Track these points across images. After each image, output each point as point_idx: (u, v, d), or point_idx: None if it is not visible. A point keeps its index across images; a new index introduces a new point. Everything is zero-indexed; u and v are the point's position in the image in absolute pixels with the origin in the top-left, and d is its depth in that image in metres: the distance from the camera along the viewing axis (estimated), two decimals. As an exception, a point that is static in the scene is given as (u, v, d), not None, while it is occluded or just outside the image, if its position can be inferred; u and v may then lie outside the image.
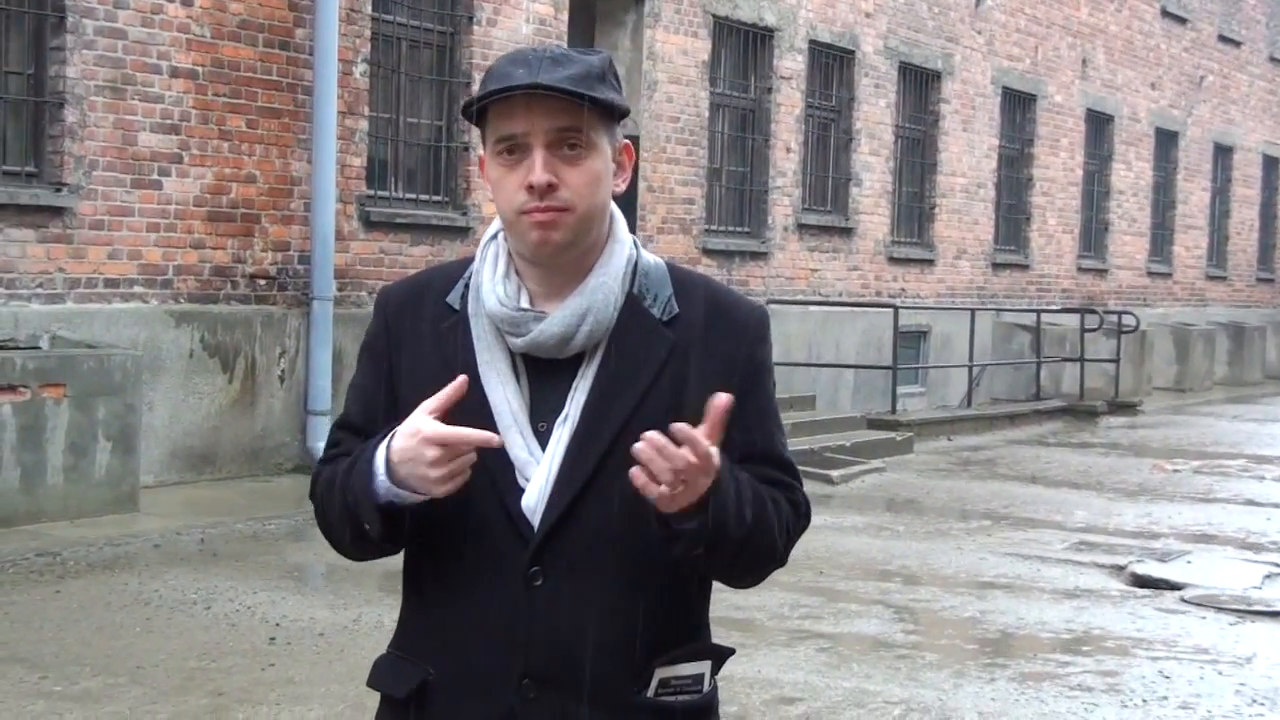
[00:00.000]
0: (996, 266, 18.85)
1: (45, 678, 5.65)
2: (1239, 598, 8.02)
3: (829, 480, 11.55)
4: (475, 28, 11.49)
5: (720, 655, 2.13)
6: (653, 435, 1.86)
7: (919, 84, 17.19)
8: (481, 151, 2.07)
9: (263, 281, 10.07)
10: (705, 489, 1.90)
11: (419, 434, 1.93)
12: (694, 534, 1.93)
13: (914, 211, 17.40)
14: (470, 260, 2.13)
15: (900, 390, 15.29)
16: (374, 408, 2.11)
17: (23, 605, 6.68)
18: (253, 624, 6.54)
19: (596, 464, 2.01)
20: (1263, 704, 6.10)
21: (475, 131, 2.07)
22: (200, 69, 9.61)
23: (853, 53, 15.85)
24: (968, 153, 18.03)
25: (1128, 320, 18.76)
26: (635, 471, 1.87)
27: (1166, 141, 23.33)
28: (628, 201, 12.63)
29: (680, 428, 1.86)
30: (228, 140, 9.79)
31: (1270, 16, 26.50)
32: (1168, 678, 6.40)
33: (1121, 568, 8.67)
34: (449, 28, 11.46)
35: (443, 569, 2.06)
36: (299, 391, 10.21)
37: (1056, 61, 19.81)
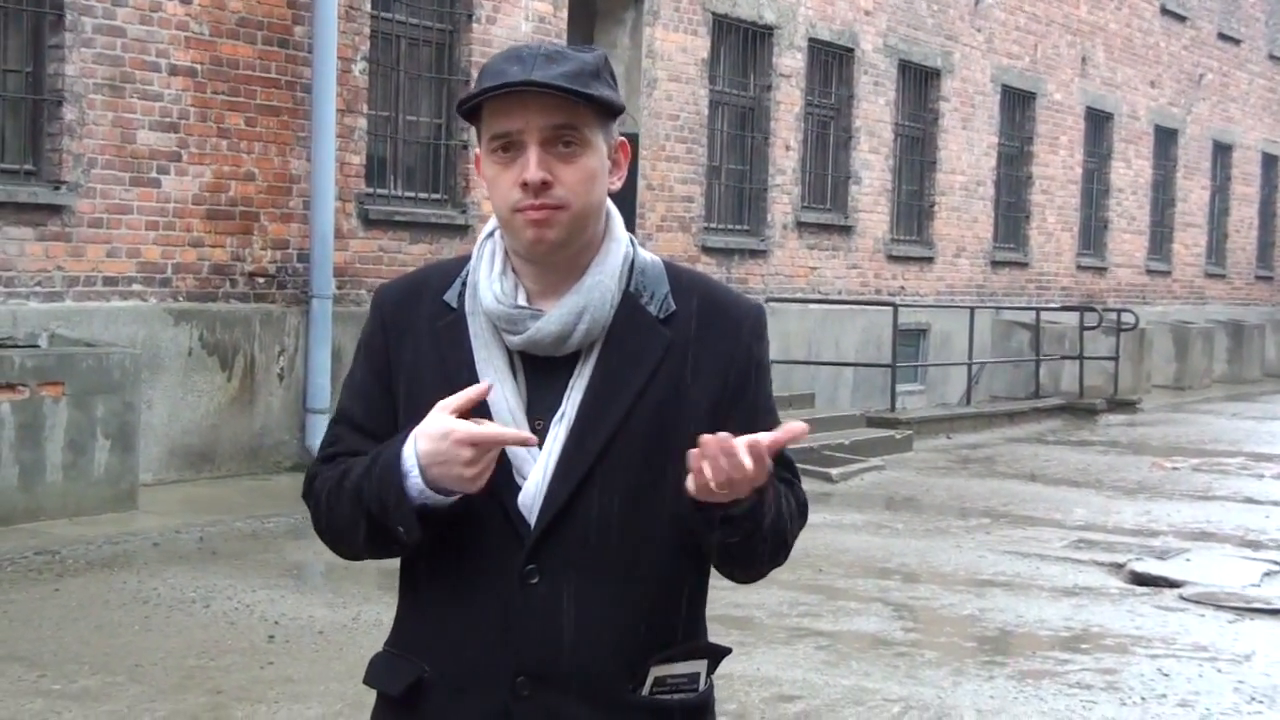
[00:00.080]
0: (996, 264, 18.85)
1: (44, 676, 5.65)
2: (1237, 595, 8.02)
3: (828, 478, 11.55)
4: (474, 25, 11.48)
5: (716, 654, 2.13)
6: (724, 438, 1.86)
7: (918, 82, 17.18)
8: (477, 149, 2.07)
9: (262, 279, 10.07)
10: (747, 493, 1.90)
11: (451, 435, 1.92)
12: (737, 522, 1.93)
13: (913, 209, 17.40)
14: (468, 258, 2.12)
15: (899, 388, 15.29)
16: (372, 405, 2.11)
17: (21, 603, 6.68)
18: (251, 622, 6.54)
19: (593, 462, 2.01)
20: (1261, 701, 6.10)
21: (474, 129, 2.07)
22: (199, 67, 9.60)
23: (852, 50, 15.85)
24: (967, 151, 18.03)
25: (1127, 318, 18.76)
26: (694, 454, 1.87)
27: (1166, 139, 23.33)
28: (627, 199, 12.63)
29: (756, 445, 1.85)
30: (226, 138, 9.79)
31: (1269, 14, 26.50)
32: (1166, 675, 6.40)
33: (1120, 565, 8.67)
34: (448, 25, 11.46)
35: (439, 566, 2.06)
36: (298, 390, 10.21)
37: (1056, 59, 19.81)
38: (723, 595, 6.87)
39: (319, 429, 9.87)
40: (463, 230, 11.35)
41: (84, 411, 8.24)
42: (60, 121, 8.89)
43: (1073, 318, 18.49)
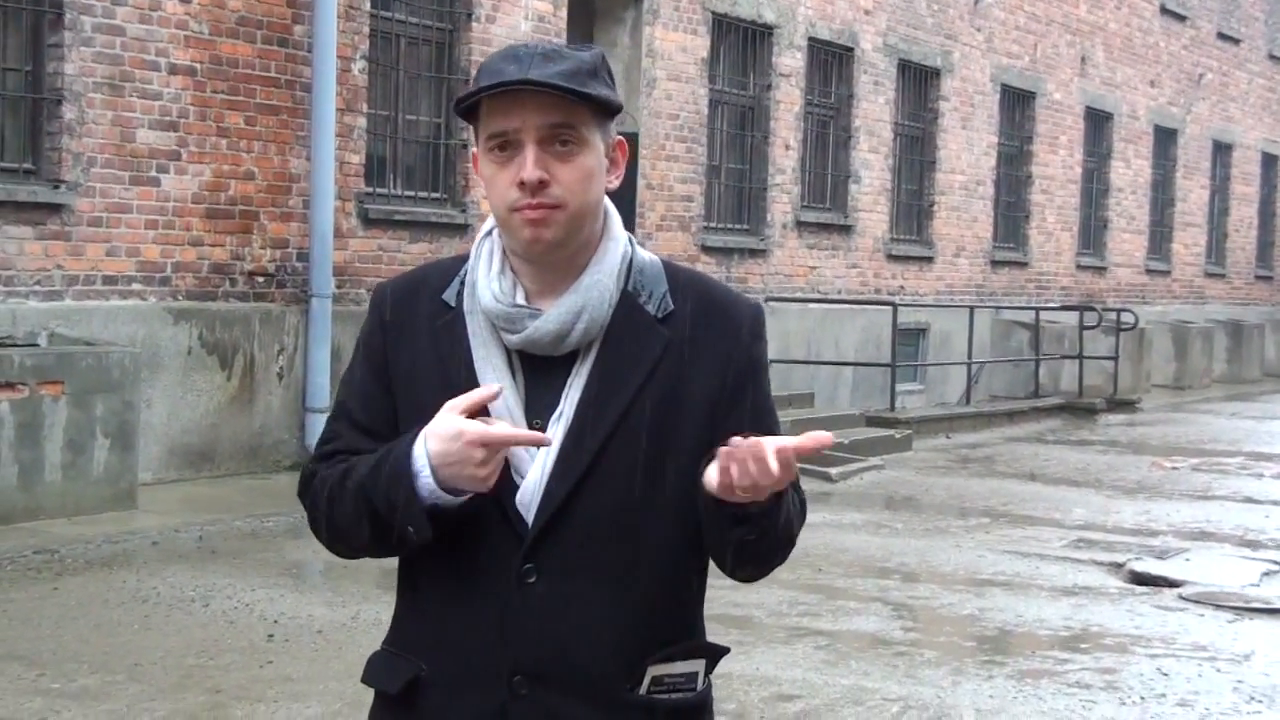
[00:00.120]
0: (995, 264, 18.85)
1: (43, 675, 5.65)
2: (1237, 595, 8.02)
3: (828, 478, 11.55)
4: (474, 24, 11.48)
5: (714, 654, 2.13)
6: (754, 442, 1.86)
7: (918, 81, 17.18)
8: (475, 148, 2.07)
9: (261, 279, 10.07)
10: (767, 495, 1.91)
11: (463, 436, 1.93)
12: (755, 520, 1.94)
13: (913, 209, 17.40)
14: (465, 257, 2.12)
15: (899, 388, 15.29)
16: (371, 403, 2.11)
17: (21, 602, 6.68)
18: (251, 621, 6.54)
19: (591, 461, 2.01)
20: (1260, 701, 6.10)
21: (472, 128, 2.07)
22: (199, 66, 9.60)
23: (852, 50, 15.85)
24: (967, 150, 18.02)
25: (1126, 318, 18.76)
26: (724, 453, 1.87)
27: (1165, 139, 23.33)
28: (626, 199, 12.63)
29: (784, 450, 1.85)
30: (226, 137, 9.79)
31: (1269, 14, 26.50)
32: (1166, 675, 6.40)
33: (1120, 565, 8.67)
34: (448, 24, 11.46)
35: (436, 566, 2.06)
36: (297, 389, 10.21)
37: (1055, 59, 19.81)
38: (722, 595, 6.88)
39: (318, 428, 9.87)
40: (462, 229, 11.35)
41: (83, 410, 8.24)
42: (60, 120, 8.89)
43: (1072, 317, 18.49)
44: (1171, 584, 8.19)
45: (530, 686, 2.00)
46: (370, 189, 10.84)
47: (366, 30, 10.69)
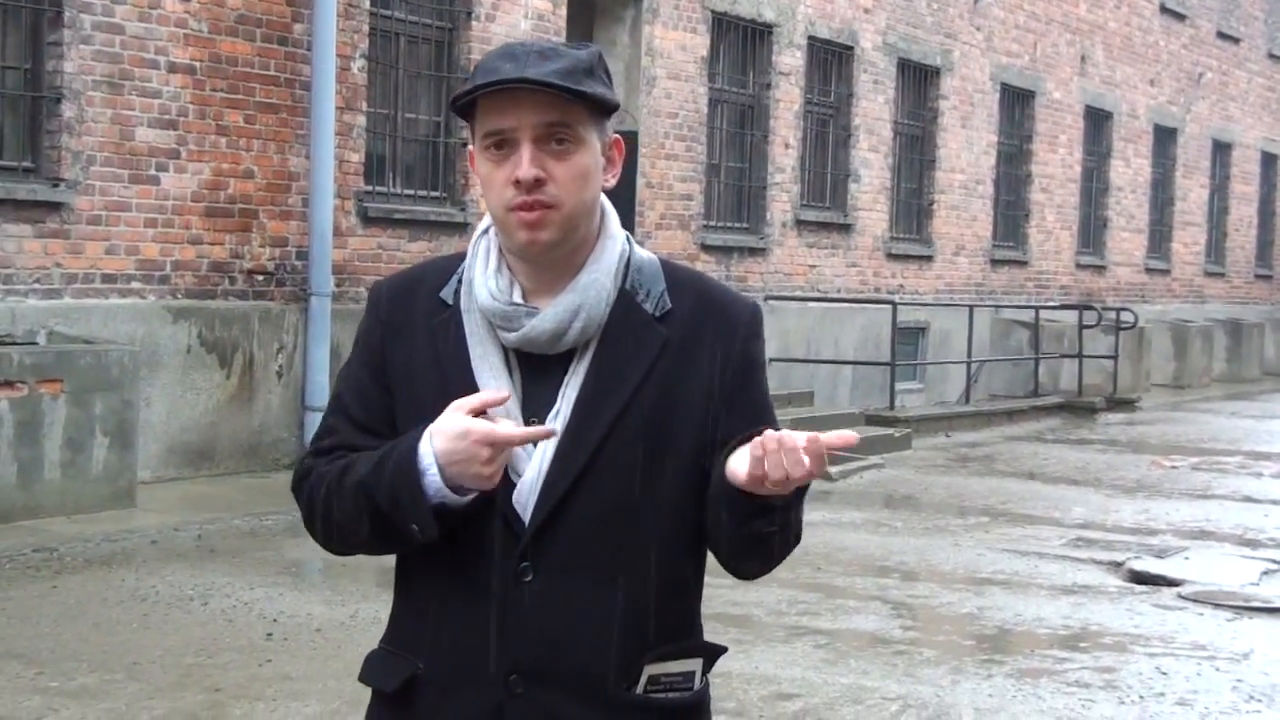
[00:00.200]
0: (995, 263, 18.85)
1: (41, 673, 5.65)
2: (1236, 594, 8.02)
3: (827, 476, 11.49)
4: (474, 23, 11.48)
5: (712, 653, 2.13)
6: (785, 435, 1.87)
7: (918, 80, 17.18)
8: (471, 146, 2.07)
9: (260, 277, 10.07)
10: (793, 489, 1.91)
11: (470, 434, 1.92)
12: (777, 513, 1.95)
13: (912, 208, 17.40)
14: (463, 255, 2.12)
15: (898, 386, 15.29)
16: (368, 400, 2.11)
17: (19, 601, 6.67)
18: (250, 620, 6.54)
19: (588, 460, 2.00)
20: (1260, 700, 6.10)
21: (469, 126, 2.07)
22: (198, 64, 9.60)
23: (851, 49, 15.84)
24: (966, 149, 18.02)
25: (1126, 317, 18.76)
26: (756, 444, 1.88)
27: (1165, 138, 23.33)
28: (626, 197, 12.63)
29: (815, 443, 1.86)
30: (225, 135, 9.78)
31: (1269, 13, 26.50)
32: (1165, 674, 6.40)
33: (1119, 564, 8.67)
34: (447, 23, 11.46)
35: (433, 564, 2.05)
36: (297, 387, 10.20)
37: (1055, 58, 19.80)
38: (721, 593, 6.88)
39: (317, 426, 9.86)
40: (461, 228, 11.35)
41: (82, 409, 8.24)
42: (59, 118, 8.89)
43: (1072, 316, 18.49)
44: (1171, 583, 8.19)
45: (526, 685, 2.00)
46: (370, 187, 10.84)
47: (366, 29, 10.68)
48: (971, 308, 16.93)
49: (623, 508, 2.01)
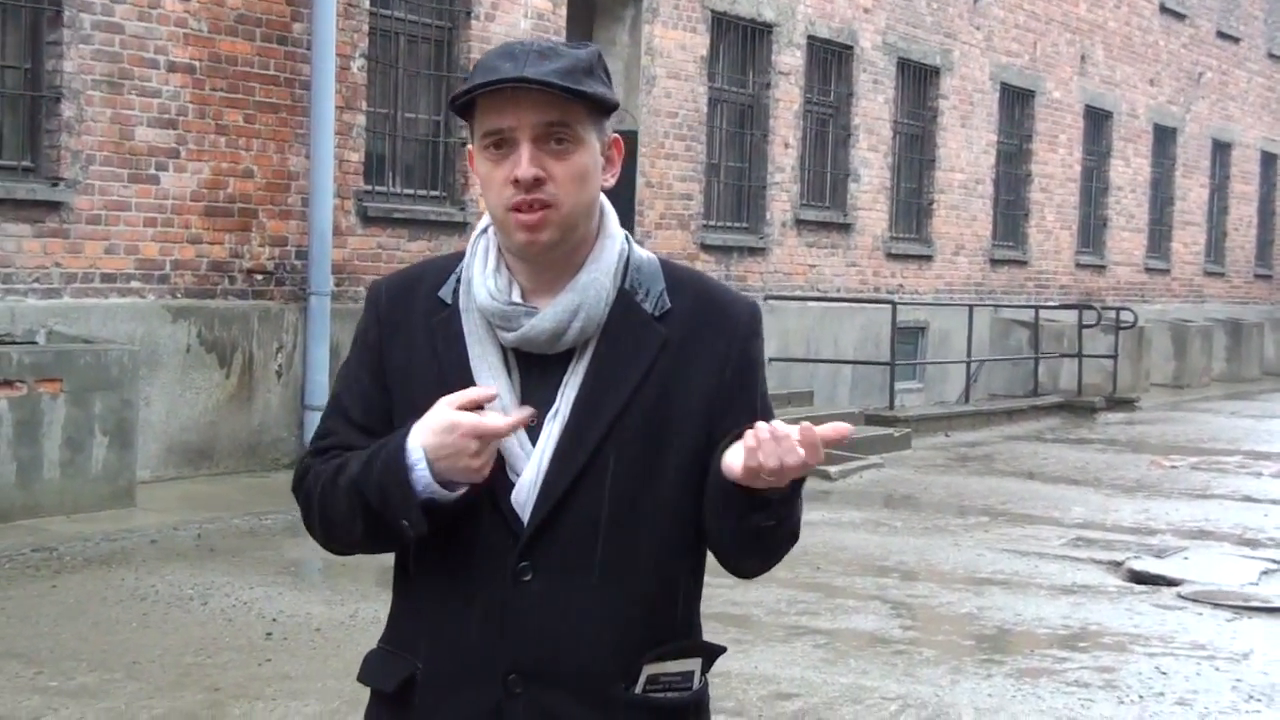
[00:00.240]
0: (995, 262, 18.85)
1: (41, 673, 5.65)
2: (1236, 594, 8.02)
3: (827, 476, 11.55)
4: (473, 22, 11.48)
5: (711, 653, 2.13)
6: (777, 426, 1.88)
7: (917, 80, 17.18)
8: (470, 145, 2.07)
9: (260, 276, 10.06)
10: (789, 481, 1.91)
11: (458, 428, 1.93)
12: (775, 507, 1.95)
13: (912, 207, 17.39)
14: (461, 254, 2.12)
15: (898, 386, 15.29)
16: (366, 399, 2.11)
17: (19, 600, 6.67)
18: (249, 619, 6.54)
19: (587, 459, 2.00)
20: (1259, 700, 6.10)
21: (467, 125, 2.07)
22: (197, 63, 9.59)
23: (851, 48, 15.84)
24: (966, 149, 18.02)
25: (1126, 316, 18.76)
26: (750, 434, 1.89)
27: (1165, 138, 23.33)
28: (625, 197, 12.63)
29: (809, 432, 1.87)
30: (225, 135, 9.78)
31: (1268, 13, 26.49)
32: (1164, 674, 6.40)
33: (1119, 564, 8.67)
34: (447, 22, 11.45)
35: (432, 564, 2.06)
36: (296, 387, 10.20)
37: (1055, 57, 19.80)
38: (720, 593, 6.88)
39: (317, 426, 9.86)
40: (461, 227, 11.35)
41: (82, 408, 8.24)
42: (58, 118, 8.88)
43: (1071, 316, 18.49)
44: (1170, 583, 8.19)
45: (525, 685, 2.00)
46: (369, 187, 10.84)
47: (366, 28, 10.68)
48: (971, 307, 16.93)
49: (622, 507, 2.01)
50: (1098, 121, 21.31)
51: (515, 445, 2.01)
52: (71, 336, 8.70)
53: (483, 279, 2.05)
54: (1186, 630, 7.18)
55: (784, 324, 14.51)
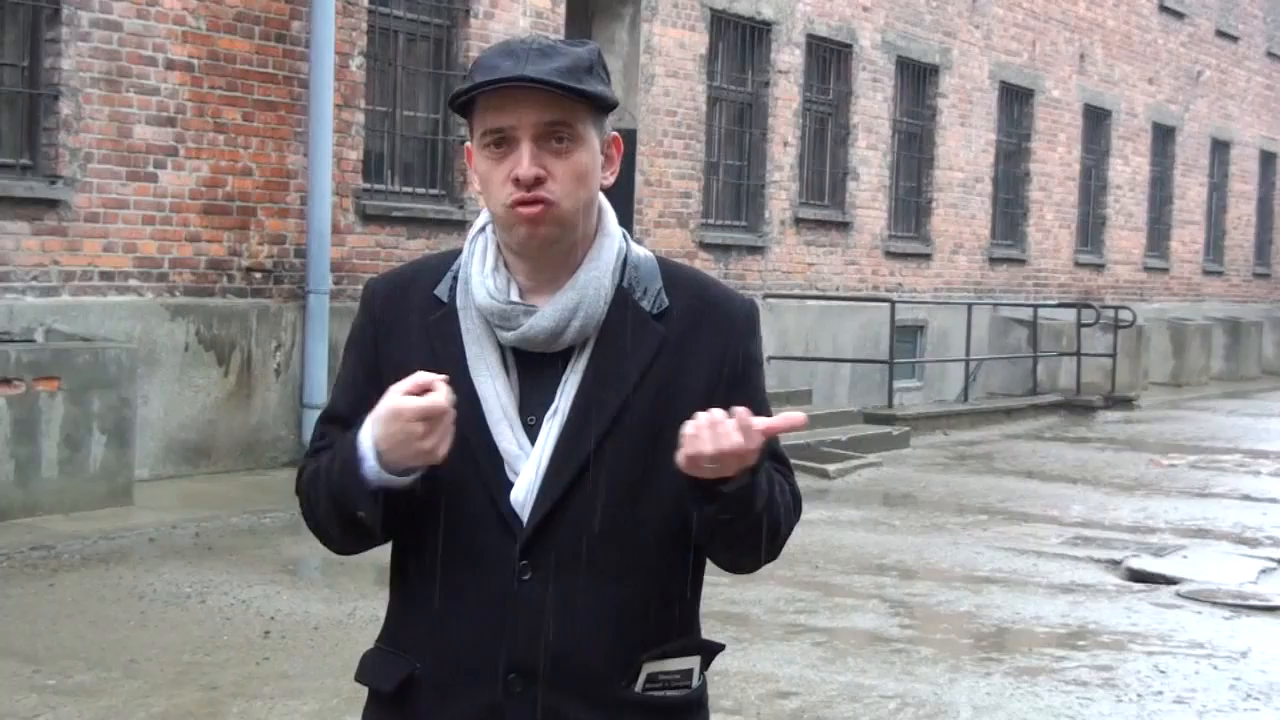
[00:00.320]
0: (994, 261, 18.84)
1: (39, 671, 5.64)
2: (1234, 593, 8.02)
3: (825, 474, 11.54)
4: (472, 20, 11.47)
5: (710, 651, 2.13)
6: (713, 413, 1.87)
7: (917, 78, 17.17)
8: (469, 143, 2.06)
9: (259, 275, 10.06)
10: (737, 471, 1.90)
11: (401, 414, 1.91)
12: (728, 500, 1.93)
13: (911, 206, 17.39)
14: (456, 253, 2.11)
15: (897, 385, 15.29)
16: (361, 401, 2.09)
17: (17, 599, 6.67)
18: (247, 618, 6.53)
19: (586, 458, 2.00)
20: (1258, 699, 6.10)
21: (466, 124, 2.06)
22: (196, 61, 9.59)
23: (850, 47, 15.84)
24: (965, 147, 18.02)
25: (1124, 315, 18.76)
26: (688, 424, 1.88)
27: (1164, 136, 23.33)
28: (625, 195, 12.63)
29: (743, 418, 1.87)
30: (223, 133, 9.78)
31: (1268, 12, 26.50)
32: (1163, 672, 6.40)
33: (1117, 562, 8.67)
34: (446, 20, 11.45)
35: (430, 563, 2.05)
36: (295, 385, 10.20)
37: (1054, 56, 19.80)
38: (719, 592, 6.88)
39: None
40: (460, 226, 11.34)
41: (80, 407, 8.23)
42: (57, 116, 8.88)
43: (1070, 314, 18.49)
44: (1169, 581, 8.19)
45: (526, 684, 2.00)
46: (368, 185, 10.83)
47: (364, 26, 10.68)
48: (970, 306, 16.93)
49: (621, 506, 2.01)
50: (1097, 120, 21.31)
51: (514, 445, 2.01)
52: (70, 335, 8.70)
53: (481, 278, 2.05)
54: (1185, 629, 7.18)
55: (783, 323, 14.51)
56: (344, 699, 5.35)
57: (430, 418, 1.91)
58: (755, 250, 14.68)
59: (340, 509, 2.01)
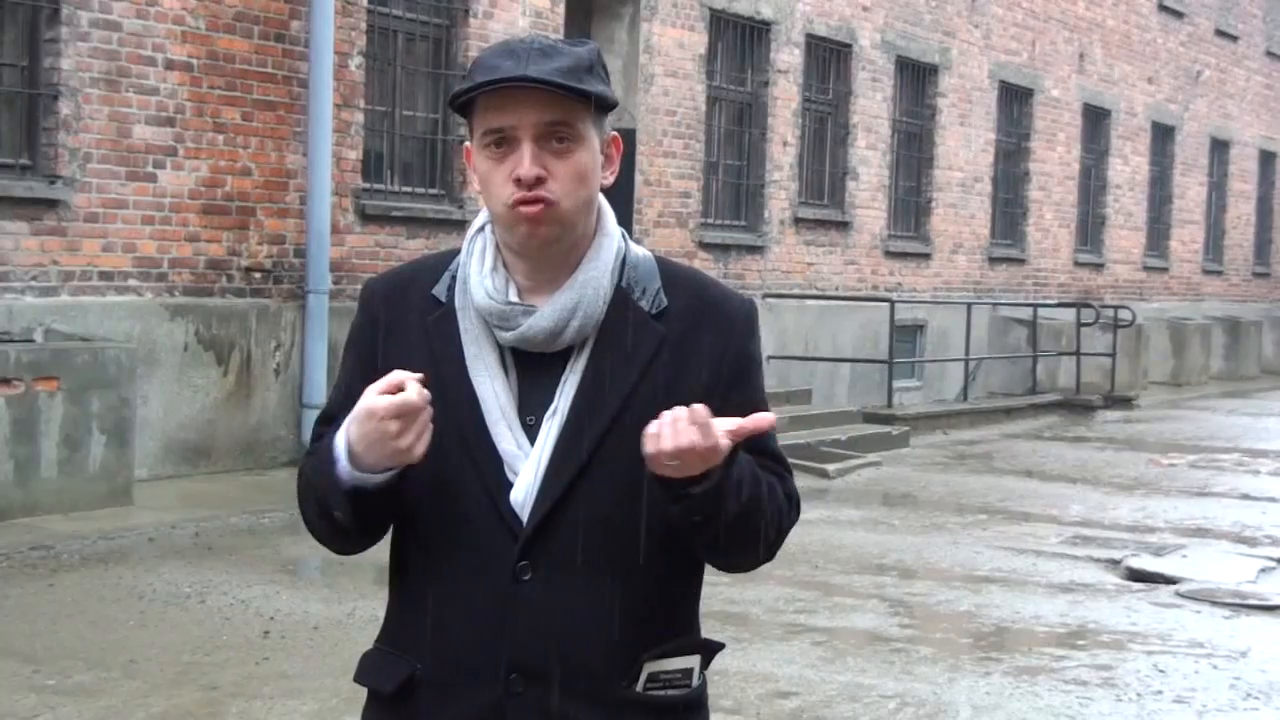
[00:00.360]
0: (993, 261, 18.84)
1: (38, 671, 5.64)
2: (1234, 592, 8.02)
3: (825, 474, 11.54)
4: (471, 20, 11.47)
5: (710, 650, 2.13)
6: (677, 409, 1.86)
7: (916, 78, 17.17)
8: (468, 142, 2.06)
9: (258, 275, 10.06)
10: (703, 471, 1.89)
11: (375, 414, 1.90)
12: (696, 501, 1.92)
13: (911, 205, 17.39)
14: (455, 252, 2.11)
15: (896, 384, 15.29)
16: (357, 402, 2.10)
17: (16, 599, 6.67)
18: (247, 618, 6.53)
19: (585, 458, 2.00)
20: (1258, 698, 6.10)
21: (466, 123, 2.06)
22: (195, 61, 9.58)
23: (850, 46, 15.84)
24: (964, 147, 18.02)
25: (1124, 315, 18.76)
26: (651, 423, 1.87)
27: (1163, 136, 23.33)
28: (624, 195, 12.63)
29: (700, 411, 1.86)
30: (223, 133, 9.77)
31: (1267, 11, 26.50)
32: (1163, 672, 6.40)
33: (1117, 562, 8.67)
34: (445, 20, 11.45)
35: (430, 563, 2.05)
36: (294, 385, 10.20)
37: (1054, 55, 19.80)
38: (719, 591, 6.88)
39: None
40: (459, 225, 11.33)
41: (79, 406, 8.23)
42: (56, 116, 8.87)
43: (1070, 314, 18.50)
44: (1168, 581, 8.19)
45: (526, 684, 2.00)
46: (367, 185, 10.83)
47: (364, 26, 10.67)
48: (970, 305, 16.93)
49: (621, 505, 2.01)
50: (1096, 120, 21.31)
51: (513, 445, 2.01)
52: (69, 335, 8.70)
53: (480, 278, 2.05)
54: (1184, 628, 7.18)
55: (782, 322, 14.51)
56: (344, 699, 5.35)
57: (404, 415, 1.90)
58: (755, 250, 14.68)
59: (323, 509, 2.03)
